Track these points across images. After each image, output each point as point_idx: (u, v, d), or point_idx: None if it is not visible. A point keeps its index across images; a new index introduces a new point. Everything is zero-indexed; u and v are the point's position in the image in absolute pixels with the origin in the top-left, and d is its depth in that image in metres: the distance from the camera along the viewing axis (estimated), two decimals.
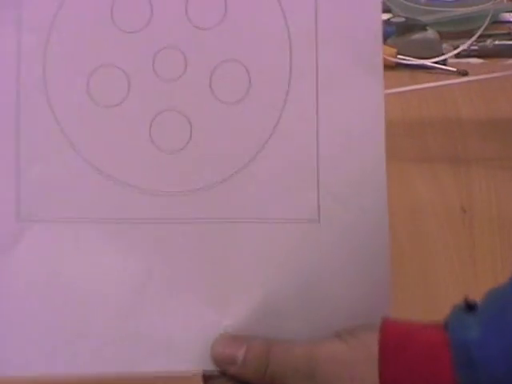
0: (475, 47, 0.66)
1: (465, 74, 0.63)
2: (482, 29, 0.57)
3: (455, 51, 0.59)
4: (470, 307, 0.25)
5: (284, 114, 0.30)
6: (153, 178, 0.30)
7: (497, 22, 0.69)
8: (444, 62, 0.65)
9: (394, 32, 0.66)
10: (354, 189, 0.29)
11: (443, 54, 0.66)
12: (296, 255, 0.29)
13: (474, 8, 0.65)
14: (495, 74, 0.53)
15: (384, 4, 0.63)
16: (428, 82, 0.59)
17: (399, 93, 0.53)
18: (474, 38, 0.57)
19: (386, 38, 0.65)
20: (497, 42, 0.67)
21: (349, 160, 0.30)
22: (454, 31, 0.69)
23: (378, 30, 0.30)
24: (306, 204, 0.29)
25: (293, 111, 0.30)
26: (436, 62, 0.64)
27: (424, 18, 0.68)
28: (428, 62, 0.64)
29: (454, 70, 0.64)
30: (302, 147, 0.30)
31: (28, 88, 0.29)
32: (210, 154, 0.30)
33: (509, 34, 0.68)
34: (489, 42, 0.67)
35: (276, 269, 0.29)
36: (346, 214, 0.29)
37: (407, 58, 0.64)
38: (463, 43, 0.66)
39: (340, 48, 0.30)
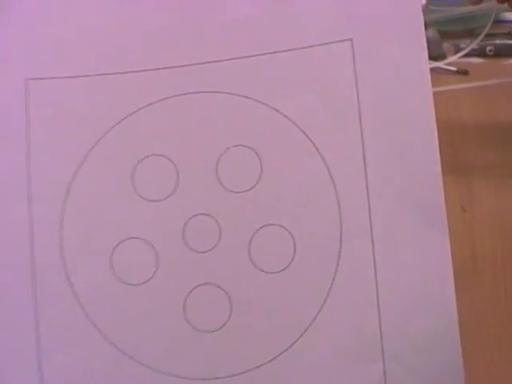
0: (476, 47, 0.66)
1: (465, 73, 0.63)
2: (486, 29, 0.56)
3: (462, 52, 0.59)
4: None
5: (336, 279, 0.27)
6: (191, 362, 0.26)
7: (497, 22, 0.68)
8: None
9: None
10: (425, 354, 0.26)
11: (444, 54, 0.66)
12: None
13: (475, 7, 0.65)
14: (498, 80, 0.53)
15: None
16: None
17: None
18: (480, 38, 0.57)
19: None
20: (497, 42, 0.66)
21: (416, 323, 0.26)
22: (455, 31, 0.69)
23: (436, 180, 0.27)
24: (370, 377, 0.26)
25: (346, 276, 0.27)
26: (435, 60, 0.63)
27: (424, 18, 0.68)
28: (428, 62, 0.63)
29: (455, 69, 0.64)
30: (359, 315, 0.26)
31: (44, 267, 0.27)
32: (255, 330, 0.27)
33: (509, 33, 0.67)
34: (489, 41, 0.66)
35: None
36: (417, 382, 0.26)
37: None
38: (464, 43, 0.65)
39: (395, 203, 0.27)
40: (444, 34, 0.67)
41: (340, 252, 0.27)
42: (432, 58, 0.64)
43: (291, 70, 0.27)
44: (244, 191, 0.27)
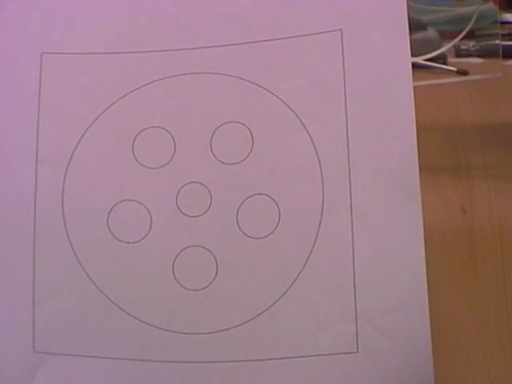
0: (476, 47, 0.67)
1: (465, 73, 0.64)
2: (467, 29, 0.56)
3: (447, 46, 0.59)
4: None
5: (316, 246, 0.28)
6: (177, 317, 0.28)
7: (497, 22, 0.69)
8: (444, 62, 0.66)
9: None
10: (394, 315, 0.28)
11: (444, 54, 0.66)
12: None
13: (475, 8, 0.66)
14: (495, 74, 0.53)
15: None
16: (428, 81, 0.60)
17: None
18: (459, 38, 0.57)
19: None
20: (497, 42, 0.67)
21: (387, 287, 0.28)
22: (455, 31, 0.70)
23: (413, 154, 0.28)
24: (344, 336, 0.28)
25: (326, 242, 0.28)
26: (435, 61, 0.64)
27: (424, 18, 0.69)
28: (428, 62, 0.64)
29: (455, 69, 0.65)
30: (336, 279, 0.28)
31: (45, 220, 0.29)
32: (238, 290, 0.28)
33: (509, 34, 0.68)
34: (489, 41, 0.67)
35: None
36: (385, 342, 0.28)
37: None
38: (464, 43, 0.66)
39: (373, 175, 0.29)
40: (444, 34, 0.68)
41: (321, 222, 0.28)
42: (431, 58, 0.65)
43: (285, 56, 0.30)
44: (235, 163, 0.29)
